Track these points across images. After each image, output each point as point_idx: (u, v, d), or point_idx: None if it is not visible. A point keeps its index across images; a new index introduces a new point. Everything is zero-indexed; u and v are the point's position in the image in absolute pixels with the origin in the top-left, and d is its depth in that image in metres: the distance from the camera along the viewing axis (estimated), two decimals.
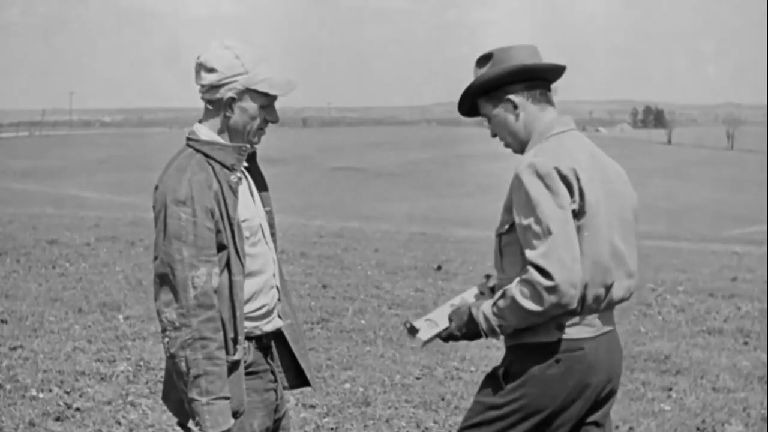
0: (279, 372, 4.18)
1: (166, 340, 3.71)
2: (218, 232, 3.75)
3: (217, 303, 3.72)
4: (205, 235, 3.72)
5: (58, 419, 7.19)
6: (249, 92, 3.86)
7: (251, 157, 4.05)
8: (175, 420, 7.17)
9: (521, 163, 4.03)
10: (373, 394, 8.28)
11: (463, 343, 10.55)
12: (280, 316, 4.11)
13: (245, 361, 3.91)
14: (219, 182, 3.80)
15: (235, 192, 3.84)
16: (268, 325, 4.02)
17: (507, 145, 4.31)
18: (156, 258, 3.78)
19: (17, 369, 8.45)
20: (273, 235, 4.09)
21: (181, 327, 3.67)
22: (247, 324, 3.91)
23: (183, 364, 3.68)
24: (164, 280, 3.72)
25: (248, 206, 3.92)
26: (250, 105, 3.87)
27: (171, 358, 3.71)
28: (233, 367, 3.83)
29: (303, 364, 4.23)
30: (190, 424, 3.75)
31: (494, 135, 4.33)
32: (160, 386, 8.15)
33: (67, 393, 7.85)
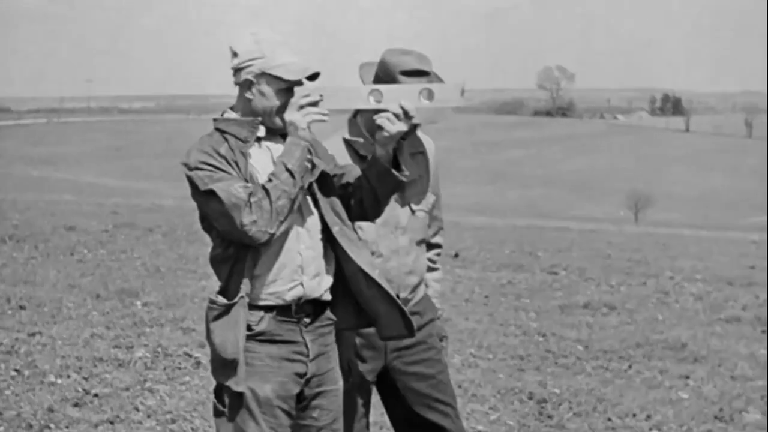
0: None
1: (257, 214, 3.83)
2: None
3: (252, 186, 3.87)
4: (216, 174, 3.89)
5: (76, 405, 7.21)
6: (265, 76, 3.97)
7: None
8: (192, 407, 7.21)
9: None
10: None
11: (481, 329, 10.56)
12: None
13: (254, 329, 3.99)
14: (232, 150, 3.94)
15: (245, 155, 3.95)
16: (290, 293, 4.03)
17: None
18: (203, 219, 4.00)
19: (36, 355, 8.48)
20: (318, 208, 4.11)
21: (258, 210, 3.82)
22: (263, 292, 3.99)
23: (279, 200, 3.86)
24: (225, 215, 3.83)
25: (268, 172, 3.96)
26: (267, 89, 3.98)
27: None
28: (225, 311, 3.95)
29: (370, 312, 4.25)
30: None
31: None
32: (178, 372, 8.20)
33: (86, 379, 7.87)
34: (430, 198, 4.74)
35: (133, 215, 21.77)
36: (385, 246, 4.58)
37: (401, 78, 4.31)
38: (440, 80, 4.42)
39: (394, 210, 4.56)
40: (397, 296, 4.22)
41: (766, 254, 20.14)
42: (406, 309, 4.20)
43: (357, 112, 4.58)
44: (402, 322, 4.21)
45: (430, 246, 4.86)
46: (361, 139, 4.54)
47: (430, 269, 4.88)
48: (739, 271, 16.71)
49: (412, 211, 4.65)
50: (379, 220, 4.44)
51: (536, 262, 16.97)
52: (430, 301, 4.80)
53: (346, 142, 4.56)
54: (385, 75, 4.38)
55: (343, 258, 4.12)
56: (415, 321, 4.44)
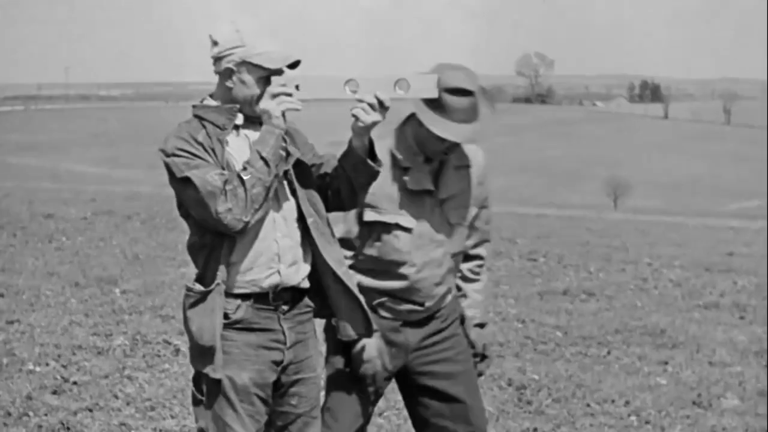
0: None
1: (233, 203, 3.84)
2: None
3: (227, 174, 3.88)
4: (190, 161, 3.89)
5: (55, 393, 7.20)
6: (246, 65, 3.97)
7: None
8: (171, 394, 7.20)
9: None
10: None
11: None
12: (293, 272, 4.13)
13: (231, 318, 4.00)
14: (209, 137, 3.95)
15: (222, 143, 3.96)
16: (267, 281, 4.04)
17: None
18: (181, 206, 4.01)
19: (14, 343, 8.46)
20: (295, 197, 4.12)
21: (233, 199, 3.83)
22: (239, 280, 4.00)
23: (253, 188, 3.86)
24: (200, 203, 3.84)
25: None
26: (247, 77, 3.98)
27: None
28: (202, 298, 3.96)
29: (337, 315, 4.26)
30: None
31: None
32: (157, 360, 8.20)
33: (64, 367, 7.86)
34: (471, 211, 4.73)
35: (112, 203, 21.71)
36: (419, 257, 4.58)
37: (444, 95, 4.30)
38: (489, 98, 4.41)
39: (431, 223, 4.57)
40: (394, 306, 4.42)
41: (766, 239, 20.15)
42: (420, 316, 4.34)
43: (406, 121, 4.56)
44: (362, 323, 4.24)
45: (470, 257, 4.87)
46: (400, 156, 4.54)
47: (471, 280, 4.89)
48: (717, 257, 16.78)
49: (450, 225, 4.65)
50: (415, 231, 4.52)
51: (515, 249, 16.99)
52: (454, 304, 4.81)
53: (391, 152, 4.54)
54: None
55: (315, 250, 4.13)
56: (437, 324, 4.67)
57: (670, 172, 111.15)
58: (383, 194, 4.48)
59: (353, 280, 4.25)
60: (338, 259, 4.18)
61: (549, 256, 16.06)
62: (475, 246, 4.86)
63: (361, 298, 4.20)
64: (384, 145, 4.50)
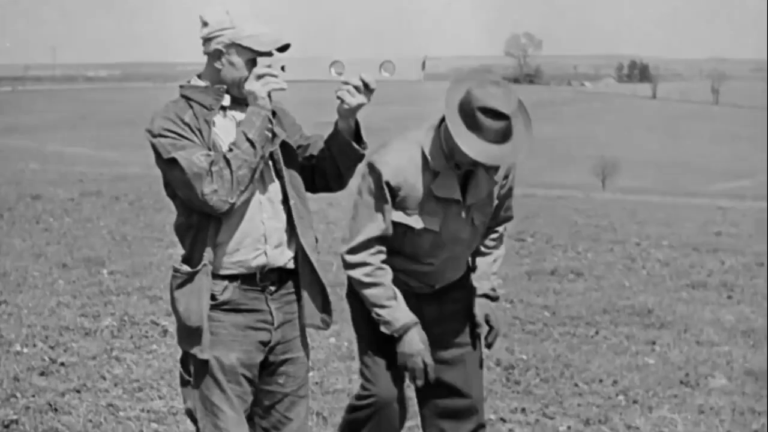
0: (286, 316, 4.21)
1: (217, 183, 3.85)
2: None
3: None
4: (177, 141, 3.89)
5: (42, 374, 7.19)
6: (235, 46, 3.98)
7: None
8: (159, 375, 7.20)
9: None
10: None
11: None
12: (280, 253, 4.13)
13: (218, 299, 4.02)
14: (196, 117, 3.95)
15: (209, 123, 3.95)
16: (254, 262, 4.04)
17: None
18: (167, 186, 4.01)
19: (1, 324, 8.45)
20: (281, 178, 4.12)
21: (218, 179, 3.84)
22: (226, 261, 4.01)
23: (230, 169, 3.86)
24: (186, 184, 3.84)
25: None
26: (236, 59, 3.99)
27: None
28: (189, 279, 3.97)
29: (306, 306, 4.25)
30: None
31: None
32: (145, 341, 8.19)
33: (52, 348, 7.85)
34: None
35: (99, 184, 21.65)
36: (440, 254, 4.64)
37: (478, 114, 4.25)
38: (526, 117, 4.37)
39: (456, 225, 4.60)
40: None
41: (766, 219, 20.13)
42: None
43: (442, 122, 4.47)
44: (321, 314, 4.26)
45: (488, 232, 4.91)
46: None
47: (483, 254, 4.92)
48: (705, 237, 16.81)
49: (474, 225, 4.68)
50: (440, 233, 4.57)
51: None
52: (466, 284, 4.86)
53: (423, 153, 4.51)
54: (465, 104, 4.30)
55: (294, 232, 4.14)
56: (447, 307, 4.79)
57: (659, 152, 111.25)
58: (413, 196, 4.50)
59: (325, 266, 4.29)
60: (312, 245, 4.20)
61: (537, 236, 16.06)
62: (497, 225, 4.91)
63: (328, 289, 4.23)
64: (417, 141, 4.50)
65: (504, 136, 4.26)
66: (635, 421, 6.71)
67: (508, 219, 4.94)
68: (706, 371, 7.93)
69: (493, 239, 4.91)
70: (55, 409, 6.45)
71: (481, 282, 4.86)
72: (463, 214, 4.58)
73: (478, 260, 4.90)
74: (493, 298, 4.88)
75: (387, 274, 4.52)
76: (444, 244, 4.61)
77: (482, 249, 4.89)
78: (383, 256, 4.53)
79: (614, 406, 7.02)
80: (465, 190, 4.56)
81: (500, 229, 4.92)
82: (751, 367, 8.01)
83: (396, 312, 4.54)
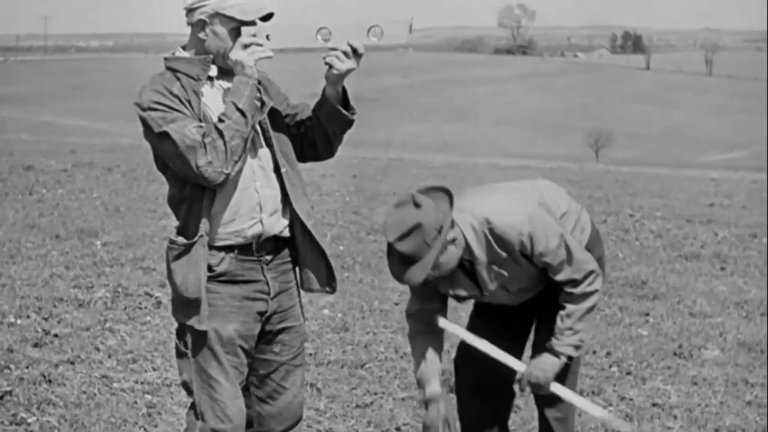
0: (285, 283, 4.22)
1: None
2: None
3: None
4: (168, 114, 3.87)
5: (36, 345, 7.18)
6: (219, 16, 3.94)
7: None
8: (153, 347, 7.19)
9: None
10: (352, 319, 8.30)
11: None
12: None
13: (215, 270, 4.02)
14: (184, 89, 3.92)
15: (198, 94, 3.94)
16: (250, 231, 4.04)
17: None
18: (158, 159, 4.01)
19: None
20: (270, 146, 4.11)
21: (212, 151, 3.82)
22: (222, 232, 4.01)
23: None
24: (180, 157, 3.83)
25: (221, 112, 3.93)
26: (220, 29, 3.96)
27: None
28: (186, 250, 3.96)
29: (303, 271, 4.28)
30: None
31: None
32: (139, 312, 8.19)
33: (45, 319, 7.84)
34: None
35: (92, 154, 21.59)
36: (503, 300, 4.74)
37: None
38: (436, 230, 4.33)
39: (492, 296, 4.64)
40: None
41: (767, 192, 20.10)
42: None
43: None
44: (326, 276, 4.27)
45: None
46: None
47: (561, 306, 4.74)
48: (698, 208, 16.79)
49: (507, 291, 4.68)
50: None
51: None
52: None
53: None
54: None
55: (287, 199, 4.13)
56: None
57: (652, 123, 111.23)
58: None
59: (320, 232, 4.26)
60: (307, 211, 4.19)
61: None
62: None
63: (327, 251, 4.23)
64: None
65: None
66: (629, 392, 6.73)
67: (572, 282, 4.50)
68: (700, 342, 7.95)
69: (566, 294, 4.53)
70: (49, 381, 6.45)
71: (553, 336, 4.62)
72: (495, 290, 4.57)
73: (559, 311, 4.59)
74: (557, 354, 4.62)
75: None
76: (496, 300, 4.68)
77: (559, 301, 4.57)
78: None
79: (608, 378, 7.04)
80: (478, 284, 4.55)
81: (570, 289, 4.51)
82: (744, 339, 8.04)
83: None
